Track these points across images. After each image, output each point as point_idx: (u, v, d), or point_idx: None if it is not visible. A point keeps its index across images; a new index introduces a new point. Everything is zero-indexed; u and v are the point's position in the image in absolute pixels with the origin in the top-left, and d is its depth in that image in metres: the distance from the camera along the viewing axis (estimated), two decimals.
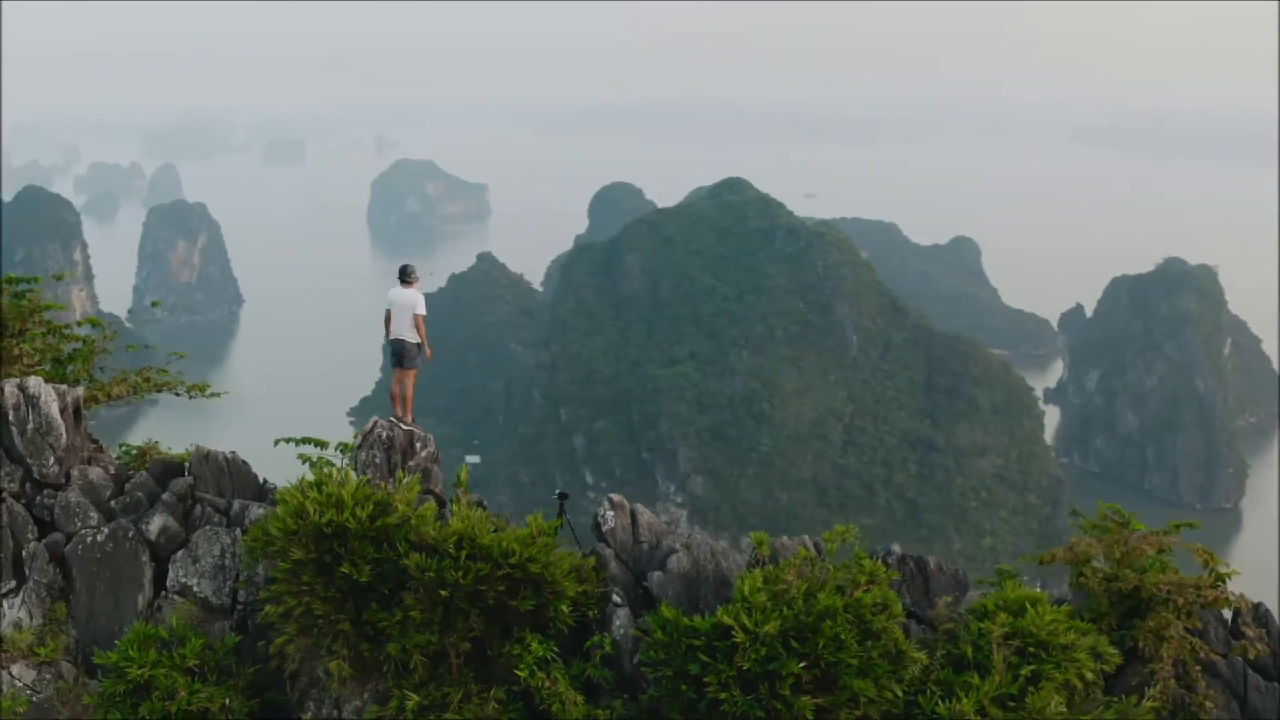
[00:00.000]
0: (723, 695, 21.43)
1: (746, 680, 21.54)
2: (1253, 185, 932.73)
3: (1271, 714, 24.85)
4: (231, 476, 27.38)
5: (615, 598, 24.10)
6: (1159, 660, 24.42)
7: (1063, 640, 22.78)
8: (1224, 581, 25.49)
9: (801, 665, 21.44)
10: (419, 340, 29.28)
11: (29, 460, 26.34)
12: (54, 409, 26.58)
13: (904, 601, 24.94)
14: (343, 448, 27.47)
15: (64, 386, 27.31)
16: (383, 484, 25.58)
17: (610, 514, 25.56)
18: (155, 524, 25.93)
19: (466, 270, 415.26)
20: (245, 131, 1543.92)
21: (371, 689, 23.81)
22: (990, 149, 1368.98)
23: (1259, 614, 25.83)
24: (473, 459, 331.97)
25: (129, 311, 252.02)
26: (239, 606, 25.63)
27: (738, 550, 25.88)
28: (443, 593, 22.80)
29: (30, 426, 26.33)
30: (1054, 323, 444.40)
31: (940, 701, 21.86)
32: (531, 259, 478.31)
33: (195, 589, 25.66)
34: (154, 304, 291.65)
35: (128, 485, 27.02)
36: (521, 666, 22.75)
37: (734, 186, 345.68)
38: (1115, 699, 23.71)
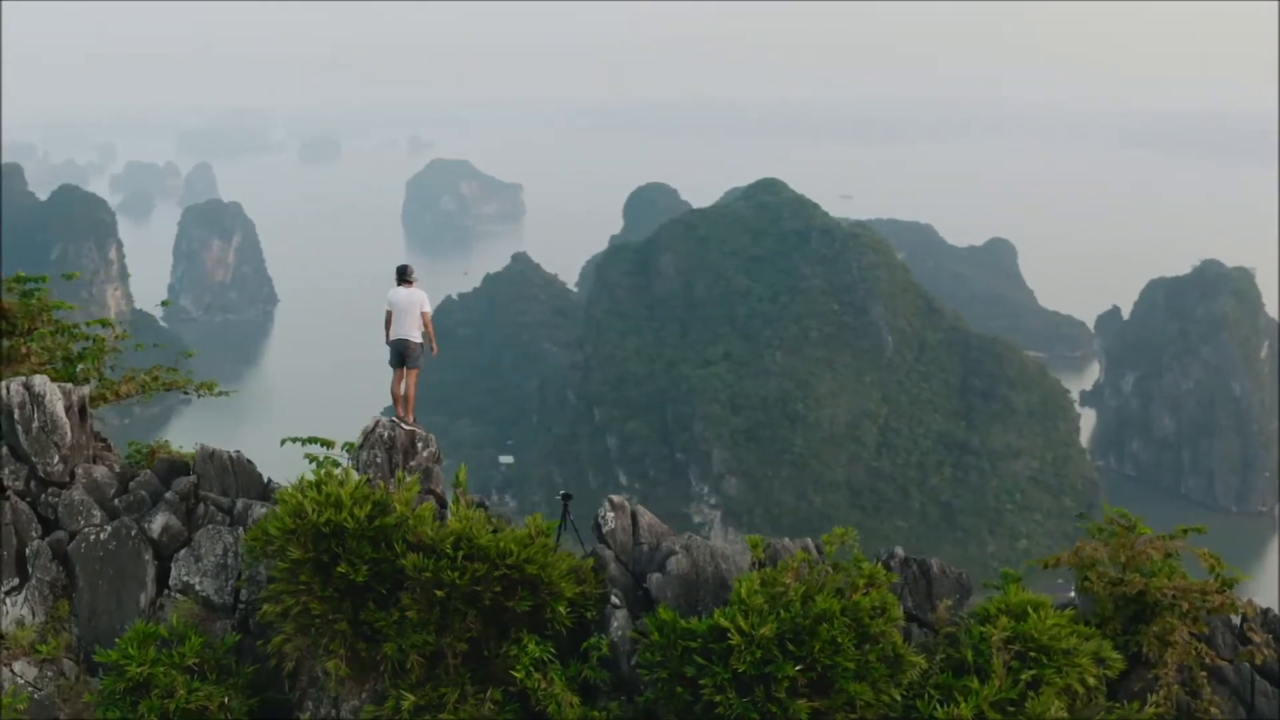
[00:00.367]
0: (718, 698, 21.27)
1: (742, 683, 21.37)
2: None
3: None
4: (236, 475, 27.38)
5: (613, 599, 23.96)
6: (1163, 665, 24.10)
7: (1064, 645, 22.50)
8: (1230, 586, 25.12)
9: (797, 668, 21.27)
10: (423, 339, 29.29)
11: (34, 458, 26.36)
12: (59, 407, 26.59)
13: (906, 605, 24.87)
14: (348, 447, 27.40)
15: (69, 385, 27.39)
16: (382, 484, 25.50)
17: (610, 515, 25.37)
18: (158, 522, 25.95)
19: (501, 270, 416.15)
20: (280, 131, 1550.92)
21: (370, 689, 23.75)
22: (1007, 148, 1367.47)
23: (1267, 619, 25.48)
24: (506, 459, 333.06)
25: (163, 303, 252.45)
26: (241, 605, 25.63)
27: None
28: (439, 593, 22.72)
29: (35, 425, 26.36)
30: (1090, 325, 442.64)
31: (938, 706, 21.63)
32: (566, 259, 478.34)
33: (197, 588, 25.66)
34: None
35: (132, 484, 27.04)
36: (518, 667, 22.64)
37: (769, 187, 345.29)
38: (1118, 704, 23.57)
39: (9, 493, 26.08)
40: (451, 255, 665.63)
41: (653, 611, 22.94)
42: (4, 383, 26.41)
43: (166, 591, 25.76)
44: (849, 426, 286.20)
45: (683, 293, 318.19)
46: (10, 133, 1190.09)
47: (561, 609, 23.17)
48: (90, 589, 25.49)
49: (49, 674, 24.86)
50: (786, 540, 25.18)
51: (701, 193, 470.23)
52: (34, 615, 25.43)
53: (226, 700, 23.52)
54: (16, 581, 25.70)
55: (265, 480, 27.68)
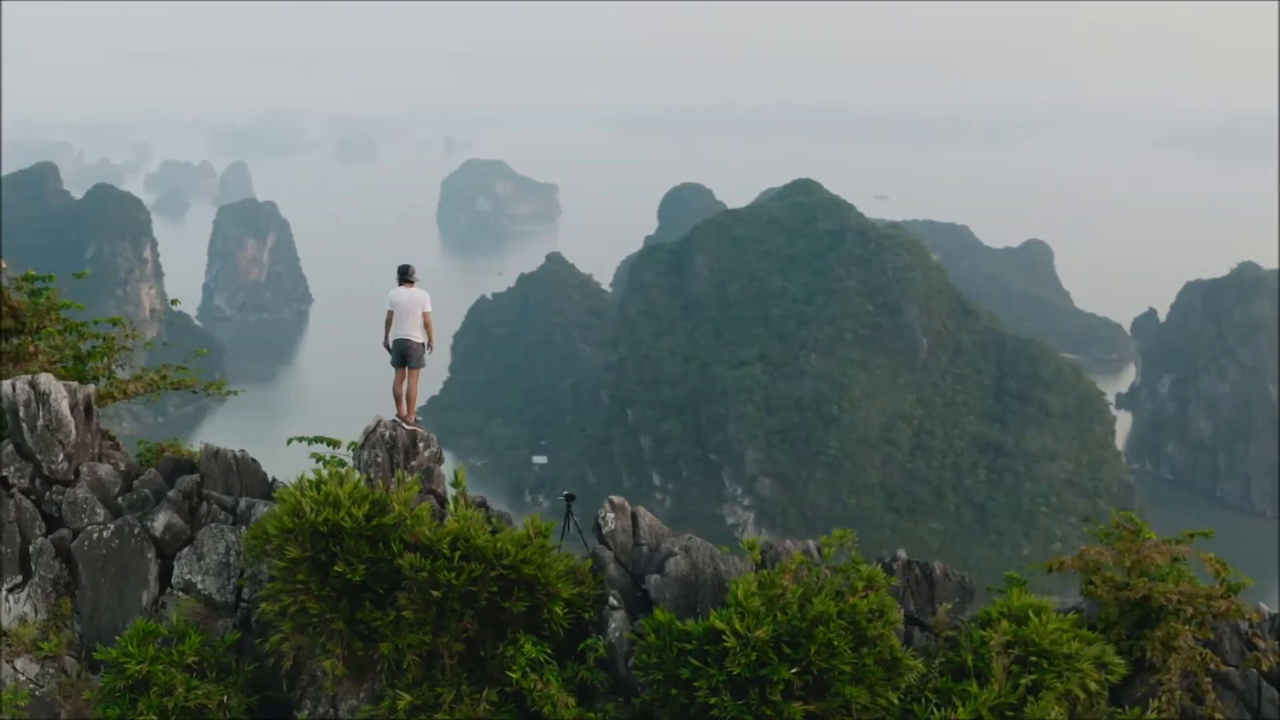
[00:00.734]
0: (712, 700, 21.17)
1: (737, 685, 21.28)
2: None
3: None
4: (240, 474, 27.39)
5: (612, 600, 23.86)
6: (1166, 671, 23.82)
7: (1066, 649, 22.29)
8: (1236, 591, 24.81)
9: (793, 671, 21.15)
10: (425, 339, 29.22)
11: (38, 456, 26.42)
12: (64, 406, 26.66)
13: (908, 608, 24.82)
14: (353, 447, 27.34)
15: (75, 383, 27.44)
16: (380, 483, 25.53)
17: (610, 516, 25.31)
18: (160, 521, 25.98)
19: (536, 270, 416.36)
20: (316, 131, 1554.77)
21: (368, 688, 23.75)
22: (1045, 150, 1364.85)
23: (1275, 625, 25.16)
24: (540, 459, 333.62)
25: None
26: (243, 604, 25.64)
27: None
28: (435, 593, 22.67)
29: (40, 423, 26.40)
30: (1127, 327, 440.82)
31: (936, 710, 21.49)
32: (601, 259, 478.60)
33: (200, 586, 25.68)
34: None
35: (136, 482, 27.12)
36: (514, 668, 22.57)
37: (804, 188, 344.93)
38: (1119, 710, 23.40)
39: (13, 490, 26.15)
40: (486, 255, 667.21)
41: (651, 613, 22.81)
42: (9, 381, 26.50)
43: (169, 590, 25.78)
44: (883, 428, 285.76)
45: (717, 293, 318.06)
46: (46, 132, 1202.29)
47: (558, 610, 23.05)
48: (93, 587, 25.54)
49: (50, 671, 24.90)
50: (788, 542, 25.07)
51: (736, 193, 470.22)
52: (36, 612, 25.48)
53: (225, 699, 23.52)
54: (20, 579, 25.75)
55: (270, 479, 27.67)
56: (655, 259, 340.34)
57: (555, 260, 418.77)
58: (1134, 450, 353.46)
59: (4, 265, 30.11)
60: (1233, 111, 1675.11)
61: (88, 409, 27.35)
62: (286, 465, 27.81)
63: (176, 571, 25.76)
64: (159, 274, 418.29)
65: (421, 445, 27.43)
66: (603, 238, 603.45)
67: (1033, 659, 22.16)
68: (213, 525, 26.17)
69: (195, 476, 27.08)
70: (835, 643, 21.27)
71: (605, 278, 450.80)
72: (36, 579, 25.60)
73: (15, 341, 29.43)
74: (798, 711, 20.97)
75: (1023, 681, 21.78)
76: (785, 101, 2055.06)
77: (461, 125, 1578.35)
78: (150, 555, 25.69)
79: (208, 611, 25.39)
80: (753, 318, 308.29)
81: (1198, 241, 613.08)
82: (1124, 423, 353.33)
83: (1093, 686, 22.41)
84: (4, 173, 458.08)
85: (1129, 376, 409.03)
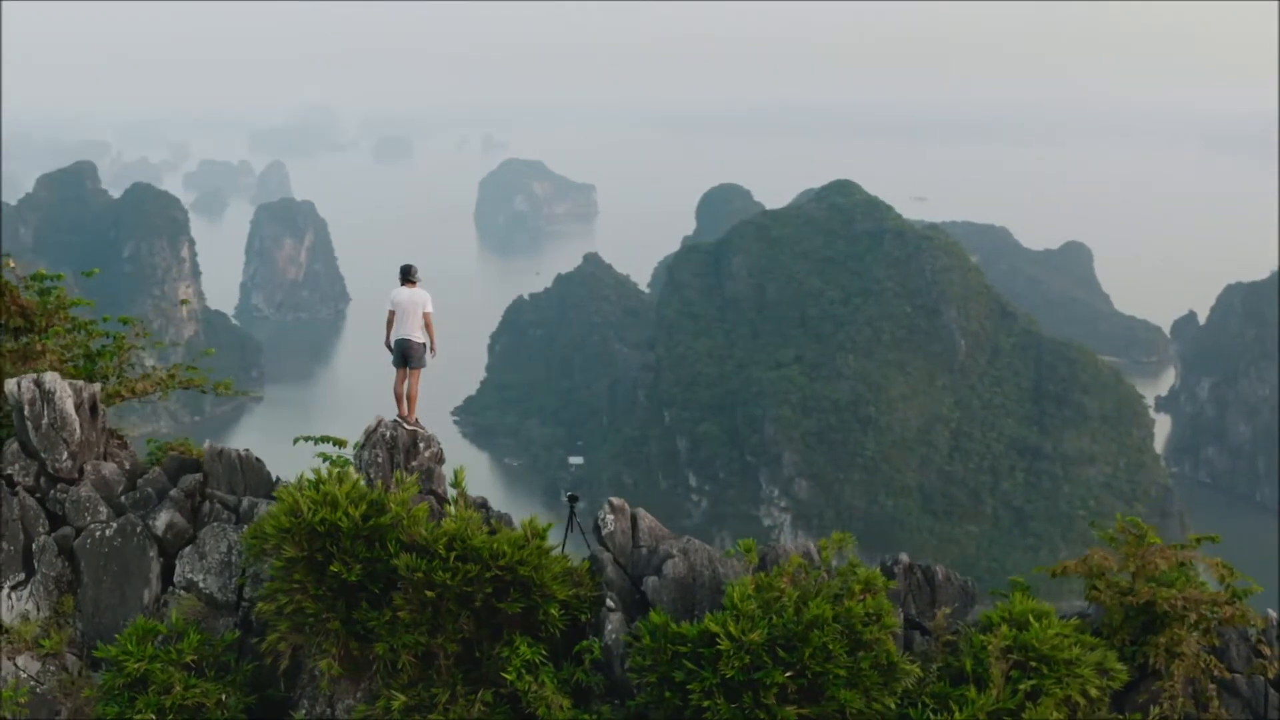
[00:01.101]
0: (705, 703, 21.10)
1: (730, 688, 21.22)
2: None
3: None
4: (244, 474, 27.44)
5: (609, 602, 23.81)
6: (1169, 678, 23.50)
7: (1066, 655, 22.07)
8: (1242, 597, 24.43)
9: (787, 675, 21.08)
10: (426, 340, 29.22)
11: (43, 454, 26.52)
12: (69, 404, 26.75)
13: (909, 612, 24.67)
14: (358, 447, 27.27)
15: (80, 382, 27.55)
16: (379, 483, 25.58)
17: (610, 517, 25.23)
18: (162, 519, 26.06)
19: (573, 270, 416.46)
20: (353, 130, 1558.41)
21: (365, 688, 23.74)
22: (1086, 150, 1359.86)
23: None
24: (576, 460, 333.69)
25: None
26: (244, 603, 25.66)
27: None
28: (429, 594, 22.64)
29: (45, 421, 26.51)
30: (1166, 330, 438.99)
31: (932, 715, 21.43)
32: (638, 259, 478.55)
33: (201, 585, 25.74)
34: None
35: (140, 481, 27.22)
36: (509, 669, 22.53)
37: (842, 189, 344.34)
38: (1121, 716, 23.17)
39: (18, 488, 26.26)
40: (524, 255, 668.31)
41: (649, 615, 22.74)
42: (15, 379, 26.67)
43: (171, 588, 25.86)
44: (920, 430, 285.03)
45: (754, 294, 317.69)
46: (84, 131, 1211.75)
47: (554, 611, 22.98)
48: (95, 585, 25.64)
49: (51, 669, 24.99)
50: (788, 544, 24.87)
51: (774, 194, 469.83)
52: (39, 610, 25.58)
53: (224, 697, 23.56)
54: (22, 576, 25.85)
55: (275, 479, 27.71)
56: (693, 259, 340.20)
57: (592, 260, 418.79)
58: (1173, 454, 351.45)
59: (12, 264, 30.10)
60: (1258, 111, 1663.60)
61: (93, 407, 27.41)
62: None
63: (178, 570, 25.79)
64: (196, 273, 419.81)
65: (422, 445, 27.35)
66: (640, 238, 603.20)
67: (1032, 664, 21.97)
68: (215, 524, 26.19)
69: (198, 475, 27.11)
70: (830, 646, 21.17)
71: (643, 278, 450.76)
72: (39, 576, 25.68)
73: (24, 340, 29.56)
74: (791, 715, 20.87)
75: (1021, 687, 21.62)
76: (831, 101, 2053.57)
77: (500, 125, 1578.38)
78: (152, 554, 25.75)
79: (209, 610, 25.42)
80: (790, 319, 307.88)
81: (1238, 244, 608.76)
82: (1163, 426, 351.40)
83: (1093, 692, 22.12)
84: (43, 172, 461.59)
85: (1168, 379, 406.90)
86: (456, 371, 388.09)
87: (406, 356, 29.02)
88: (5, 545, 25.76)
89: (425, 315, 29.09)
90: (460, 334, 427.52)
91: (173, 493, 26.51)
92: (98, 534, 25.70)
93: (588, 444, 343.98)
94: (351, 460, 27.19)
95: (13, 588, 25.68)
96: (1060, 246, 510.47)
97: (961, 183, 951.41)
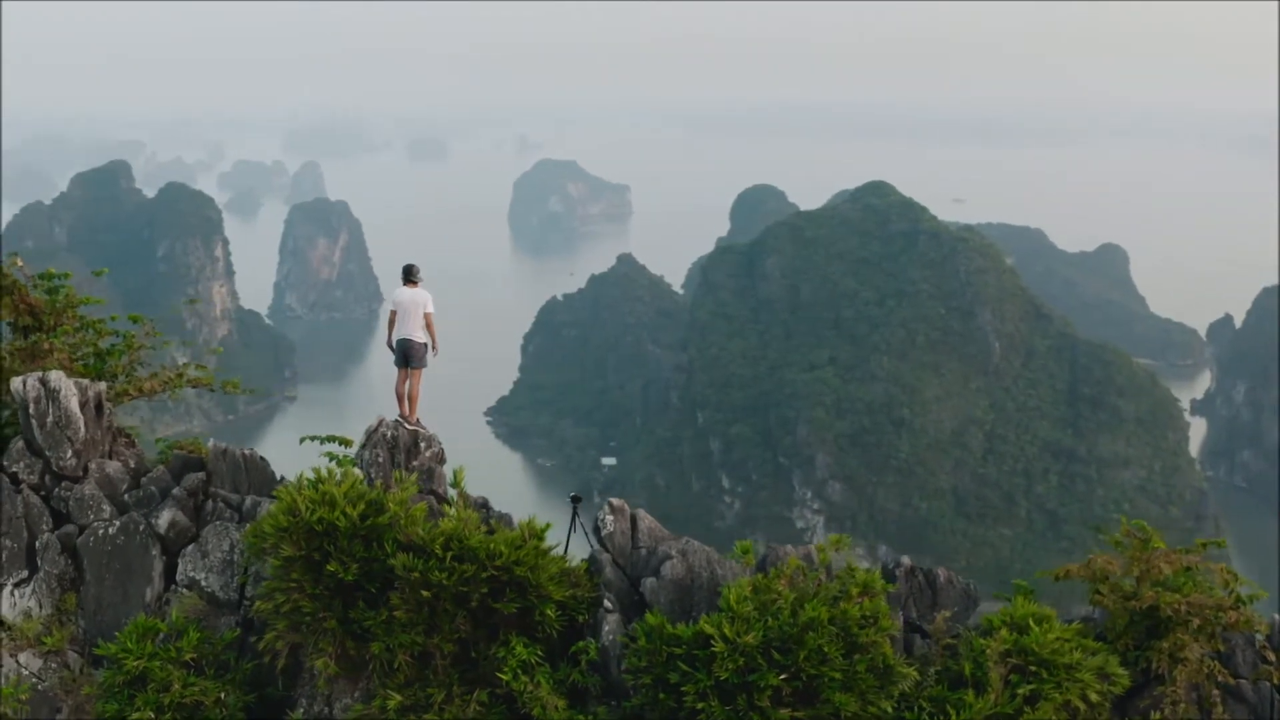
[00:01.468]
0: (700, 705, 21.10)
1: (725, 690, 21.20)
2: None
3: None
4: (248, 473, 27.52)
5: (606, 603, 23.77)
6: (1172, 683, 23.24)
7: (1066, 659, 22.03)
8: (1246, 603, 24.09)
9: (782, 677, 21.06)
10: (427, 339, 29.33)
11: (48, 452, 26.64)
12: (74, 403, 26.85)
13: (909, 615, 24.58)
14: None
15: (85, 381, 27.71)
16: (379, 483, 25.61)
17: (610, 518, 25.22)
18: (165, 518, 26.18)
19: (606, 271, 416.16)
20: (388, 131, 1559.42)
21: (362, 687, 23.80)
22: (1123, 153, 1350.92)
23: None
24: (609, 461, 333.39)
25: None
26: (245, 602, 25.73)
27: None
28: (426, 593, 22.67)
29: (50, 419, 26.63)
30: (1202, 333, 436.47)
31: (929, 718, 21.38)
32: (672, 260, 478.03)
33: (203, 583, 25.84)
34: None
35: (144, 480, 27.32)
36: (505, 670, 22.54)
37: (877, 190, 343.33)
38: None
39: (22, 486, 26.40)
40: (558, 255, 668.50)
41: (645, 617, 22.65)
42: (21, 378, 26.79)
43: (173, 587, 25.95)
44: (954, 433, 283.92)
45: (788, 295, 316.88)
46: (119, 130, 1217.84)
47: (550, 612, 22.98)
48: (97, 583, 25.74)
49: (53, 666, 25.14)
50: (788, 546, 24.71)
51: (809, 195, 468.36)
52: (41, 607, 25.70)
53: (223, 695, 23.66)
54: (25, 573, 25.98)
55: (279, 478, 27.74)
56: (727, 260, 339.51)
57: (626, 261, 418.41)
58: (1208, 457, 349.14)
59: (20, 263, 30.08)
60: (1258, 111, 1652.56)
61: (99, 406, 27.51)
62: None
63: (180, 568, 25.88)
64: (230, 272, 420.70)
65: (423, 445, 27.38)
66: (674, 239, 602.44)
67: (1032, 668, 21.92)
68: (217, 523, 26.26)
69: (201, 474, 27.19)
70: (825, 649, 21.13)
71: (676, 279, 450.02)
72: (42, 574, 25.78)
73: (31, 338, 29.67)
74: (785, 718, 20.83)
75: (1020, 691, 21.56)
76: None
77: (534, 125, 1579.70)
78: (155, 552, 25.84)
79: (210, 609, 25.50)
80: (824, 320, 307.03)
81: (1276, 246, 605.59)
82: (1199, 429, 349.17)
83: (1094, 697, 22.02)
84: (77, 171, 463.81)
85: (1204, 383, 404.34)
86: (490, 372, 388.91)
87: (408, 356, 29.12)
88: (9, 543, 25.85)
89: (426, 315, 29.17)
90: (494, 334, 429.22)
91: (175, 491, 26.54)
92: (100, 532, 25.75)
93: (621, 445, 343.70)
94: (355, 460, 27.02)
95: (16, 585, 25.76)
96: (1096, 249, 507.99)
97: (997, 185, 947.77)
